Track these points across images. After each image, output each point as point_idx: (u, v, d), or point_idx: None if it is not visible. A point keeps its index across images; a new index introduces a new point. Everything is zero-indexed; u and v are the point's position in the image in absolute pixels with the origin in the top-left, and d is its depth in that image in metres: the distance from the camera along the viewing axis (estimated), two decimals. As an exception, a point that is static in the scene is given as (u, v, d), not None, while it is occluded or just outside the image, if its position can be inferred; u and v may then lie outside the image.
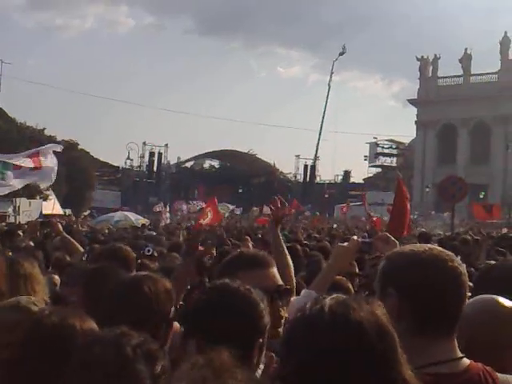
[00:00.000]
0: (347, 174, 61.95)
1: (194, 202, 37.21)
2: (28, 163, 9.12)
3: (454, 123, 52.45)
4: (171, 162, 60.86)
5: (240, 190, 58.36)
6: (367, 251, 2.16)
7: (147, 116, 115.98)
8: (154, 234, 12.20)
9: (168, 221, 22.88)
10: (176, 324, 1.84)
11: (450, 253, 1.54)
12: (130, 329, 1.29)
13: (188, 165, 63.77)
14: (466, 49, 52.69)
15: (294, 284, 2.48)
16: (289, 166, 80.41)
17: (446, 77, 54.61)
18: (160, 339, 1.57)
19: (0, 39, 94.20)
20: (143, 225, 18.02)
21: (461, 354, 1.47)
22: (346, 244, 2.19)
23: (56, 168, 9.42)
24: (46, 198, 25.07)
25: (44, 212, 20.56)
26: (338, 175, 62.50)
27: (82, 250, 4.55)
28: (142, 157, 56.88)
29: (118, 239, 8.23)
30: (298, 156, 60.77)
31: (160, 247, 6.74)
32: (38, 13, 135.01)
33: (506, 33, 51.02)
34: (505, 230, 18.73)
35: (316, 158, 59.46)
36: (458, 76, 53.72)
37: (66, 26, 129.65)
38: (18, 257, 2.51)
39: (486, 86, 50.28)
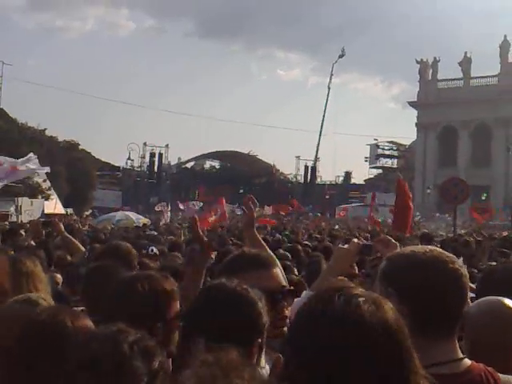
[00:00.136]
0: (348, 175, 62.00)
1: (194, 203, 37.21)
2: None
3: (454, 125, 52.53)
4: (172, 163, 60.99)
5: (241, 191, 58.35)
6: (368, 254, 2.15)
7: (148, 117, 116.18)
8: (155, 233, 12.20)
9: (168, 220, 22.91)
10: None
11: (450, 254, 1.54)
12: (127, 326, 1.28)
13: (188, 165, 63.86)
14: (465, 52, 52.98)
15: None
16: (289, 166, 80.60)
17: (445, 79, 54.76)
18: (158, 337, 1.56)
19: (0, 40, 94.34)
20: (144, 224, 18.05)
21: (462, 355, 1.47)
22: (346, 246, 2.19)
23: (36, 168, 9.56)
24: (47, 198, 25.13)
25: (46, 211, 20.58)
26: (338, 176, 62.63)
27: (83, 249, 4.55)
28: (143, 157, 57.06)
29: (120, 239, 8.22)
30: (298, 157, 60.95)
31: (161, 246, 6.75)
32: (38, 14, 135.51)
33: (505, 36, 51.19)
34: (505, 233, 18.73)
35: (316, 159, 59.58)
36: (458, 79, 53.87)
37: (67, 27, 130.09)
38: (20, 255, 2.51)
39: (486, 89, 50.39)
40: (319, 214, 34.32)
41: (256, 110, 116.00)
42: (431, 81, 54.82)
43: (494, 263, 4.11)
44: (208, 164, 64.91)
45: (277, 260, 2.00)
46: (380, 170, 62.50)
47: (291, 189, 56.41)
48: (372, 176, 62.36)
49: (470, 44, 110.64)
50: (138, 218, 20.54)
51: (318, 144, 58.84)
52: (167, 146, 58.04)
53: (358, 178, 63.18)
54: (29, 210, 16.49)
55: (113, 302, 1.78)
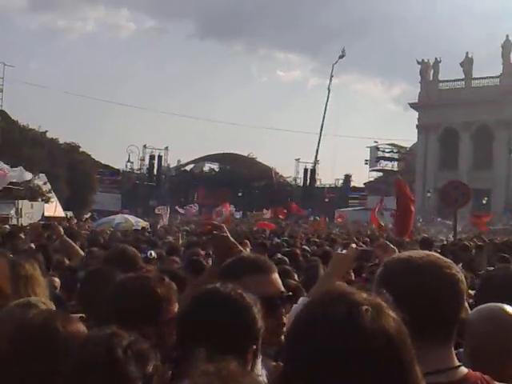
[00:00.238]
0: (348, 178, 61.85)
1: (192, 205, 37.17)
2: None
3: (455, 127, 52.24)
4: (171, 165, 60.97)
5: (240, 194, 58.34)
6: (366, 259, 2.14)
7: (148, 119, 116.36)
8: (152, 236, 12.21)
9: (166, 222, 22.90)
10: None
11: (447, 259, 1.53)
12: (121, 329, 1.28)
13: (188, 168, 63.82)
14: (467, 52, 52.62)
15: None
16: (289, 169, 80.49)
17: (447, 80, 54.42)
18: (151, 341, 1.55)
19: (2, 41, 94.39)
20: (143, 228, 18.03)
21: (458, 363, 1.46)
22: (344, 251, 2.18)
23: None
24: (47, 201, 25.12)
25: (46, 214, 20.60)
26: (338, 179, 62.50)
27: (82, 253, 4.54)
28: (143, 160, 57.03)
29: (119, 242, 8.20)
30: (297, 160, 60.84)
31: (159, 250, 6.74)
32: (39, 15, 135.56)
33: (507, 36, 50.91)
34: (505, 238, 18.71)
35: (316, 161, 59.51)
36: (460, 80, 53.57)
37: (68, 28, 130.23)
38: (19, 258, 2.51)
39: (488, 90, 50.06)
40: (318, 218, 34.22)
41: (256, 111, 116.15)
42: (432, 82, 54.49)
43: (492, 268, 4.10)
44: (207, 167, 64.92)
45: (275, 266, 1.98)
46: (380, 173, 62.38)
47: (290, 192, 56.34)
48: (372, 179, 62.24)
49: (471, 45, 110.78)
50: (137, 222, 20.53)
51: (318, 146, 58.83)
52: (167, 148, 58.11)
53: (357, 181, 63.14)
54: (29, 212, 16.51)
55: (106, 304, 1.79)
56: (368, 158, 61.59)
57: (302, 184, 59.69)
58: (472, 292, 2.88)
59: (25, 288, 2.21)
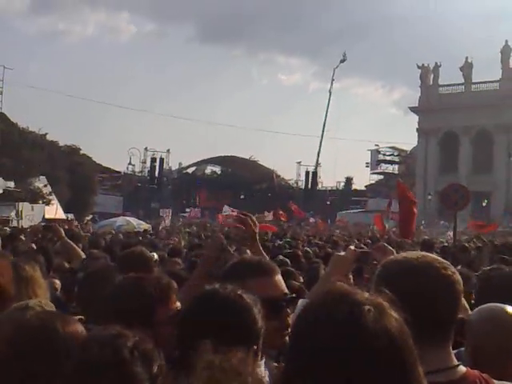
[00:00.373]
0: (349, 180, 61.93)
1: (195, 209, 37.26)
2: None
3: (455, 131, 52.44)
4: (173, 168, 61.04)
5: (241, 196, 58.39)
6: (365, 261, 2.14)
7: (149, 122, 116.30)
8: (154, 238, 12.22)
9: (168, 224, 22.94)
10: None
11: (443, 260, 1.54)
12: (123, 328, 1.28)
13: (190, 170, 63.89)
14: (466, 57, 53.00)
15: None
16: (290, 172, 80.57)
17: (447, 85, 54.67)
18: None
19: (1, 44, 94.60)
20: (145, 230, 18.05)
21: (457, 362, 1.47)
22: (343, 253, 2.19)
23: None
24: (48, 203, 25.13)
25: (46, 216, 20.60)
26: (339, 182, 62.58)
27: (83, 255, 4.54)
28: (144, 162, 57.08)
29: (120, 245, 8.20)
30: (299, 162, 60.93)
31: (161, 252, 6.73)
32: (39, 18, 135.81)
33: (506, 41, 51.25)
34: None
35: (317, 164, 59.54)
36: (460, 84, 53.83)
37: (68, 31, 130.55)
38: (20, 260, 2.51)
39: (488, 95, 50.29)
40: (320, 220, 34.24)
41: (257, 115, 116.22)
42: (432, 86, 54.78)
43: (488, 268, 4.09)
44: (209, 169, 64.98)
45: (278, 268, 1.98)
46: (381, 176, 62.46)
47: (292, 194, 56.36)
48: (373, 182, 62.31)
49: (471, 49, 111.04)
50: (139, 224, 20.53)
51: (319, 149, 58.95)
52: (168, 150, 58.19)
53: (359, 184, 63.23)
54: (29, 215, 16.52)
55: (102, 305, 1.79)
56: (369, 161, 61.69)
57: (303, 187, 59.72)
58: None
59: (26, 290, 2.22)
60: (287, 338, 1.69)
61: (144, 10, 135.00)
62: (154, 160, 56.51)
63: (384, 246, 2.16)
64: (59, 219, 20.67)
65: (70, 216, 26.30)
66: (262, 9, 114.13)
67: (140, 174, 57.10)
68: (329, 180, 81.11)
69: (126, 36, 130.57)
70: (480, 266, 5.14)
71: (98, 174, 43.01)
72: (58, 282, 3.62)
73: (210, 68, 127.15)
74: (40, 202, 24.11)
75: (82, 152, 38.88)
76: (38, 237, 7.16)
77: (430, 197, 46.55)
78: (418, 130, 55.93)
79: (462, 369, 1.45)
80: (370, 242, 11.64)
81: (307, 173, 59.56)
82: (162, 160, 57.03)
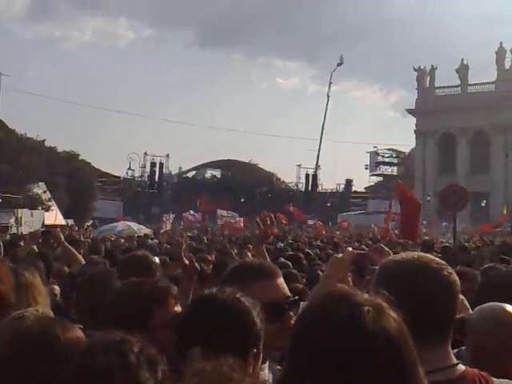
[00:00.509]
0: (349, 182, 62.00)
1: (194, 213, 37.25)
2: None
3: (452, 132, 52.79)
4: (173, 172, 61.06)
5: (242, 200, 58.40)
6: (362, 262, 2.15)
7: (148, 126, 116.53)
8: (156, 241, 12.21)
9: (169, 228, 22.94)
10: None
11: (441, 261, 1.54)
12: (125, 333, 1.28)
13: (189, 175, 63.92)
14: (462, 59, 53.35)
15: None
16: (290, 175, 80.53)
17: (443, 87, 55.10)
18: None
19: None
20: (146, 234, 18.05)
21: (456, 361, 1.47)
22: (340, 255, 2.19)
23: None
24: (48, 209, 25.11)
25: (46, 222, 20.58)
26: (339, 184, 62.63)
27: (83, 260, 4.53)
28: (144, 167, 57.05)
29: (121, 249, 8.20)
30: (299, 165, 60.98)
31: (163, 256, 6.73)
32: (36, 24, 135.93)
33: (501, 43, 51.65)
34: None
35: (317, 167, 59.61)
36: (456, 86, 54.21)
37: (66, 37, 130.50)
38: (19, 267, 2.51)
39: (484, 96, 50.74)
40: (319, 223, 34.23)
41: (256, 118, 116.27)
42: (429, 88, 55.12)
43: (487, 266, 4.10)
44: (209, 173, 65.01)
45: (280, 271, 1.98)
46: (380, 178, 62.57)
47: (292, 197, 56.40)
48: (373, 183, 62.41)
49: (466, 51, 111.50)
50: (139, 228, 20.53)
51: (319, 152, 59.04)
52: (168, 155, 58.20)
53: (358, 186, 63.31)
54: (29, 221, 16.51)
55: (102, 309, 1.79)
56: (368, 163, 61.85)
57: (303, 189, 59.77)
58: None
59: (26, 296, 2.21)
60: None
61: (142, 16, 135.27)
62: (153, 165, 56.52)
63: (381, 248, 2.17)
64: (59, 225, 20.65)
65: (70, 222, 26.27)
66: (260, 13, 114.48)
67: (140, 179, 57.09)
68: (329, 182, 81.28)
69: (124, 42, 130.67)
70: (480, 266, 5.15)
71: (97, 179, 43.01)
72: (57, 288, 3.62)
73: (208, 72, 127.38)
74: (39, 208, 24.09)
75: (80, 158, 38.90)
76: (39, 242, 7.15)
77: (429, 198, 46.64)
78: (415, 131, 56.21)
79: (461, 367, 1.46)
80: (370, 243, 11.64)
81: (307, 175, 59.65)
82: (161, 165, 57.06)
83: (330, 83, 60.71)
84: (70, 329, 1.52)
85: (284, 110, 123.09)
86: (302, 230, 28.64)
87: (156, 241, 13.07)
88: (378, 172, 62.47)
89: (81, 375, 1.19)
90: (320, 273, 4.03)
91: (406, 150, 61.92)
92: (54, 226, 17.86)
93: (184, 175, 62.93)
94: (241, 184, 58.70)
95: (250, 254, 6.88)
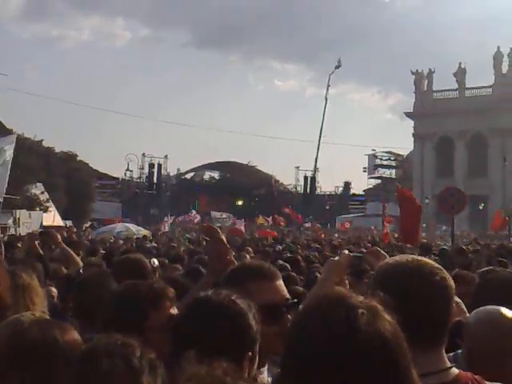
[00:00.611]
0: (347, 185, 62.12)
1: (194, 213, 37.28)
2: None
3: (450, 135, 53.00)
4: (171, 174, 61.02)
5: (240, 202, 58.40)
6: (358, 265, 2.15)
7: (146, 127, 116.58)
8: (155, 244, 12.20)
9: (167, 229, 22.95)
10: None
11: (436, 264, 1.56)
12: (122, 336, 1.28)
13: (188, 176, 63.90)
14: (460, 63, 53.50)
15: None
16: (289, 177, 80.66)
17: (441, 90, 55.30)
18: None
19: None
20: (144, 236, 18.03)
21: (449, 364, 1.48)
22: (337, 258, 2.19)
23: None
24: (46, 210, 25.06)
25: (44, 223, 20.56)
26: (338, 187, 62.73)
27: (80, 262, 4.53)
28: (142, 168, 57.01)
29: (119, 251, 8.18)
30: (297, 167, 61.02)
31: (162, 258, 6.73)
32: (33, 24, 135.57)
33: (498, 47, 51.86)
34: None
35: (316, 169, 59.69)
36: (453, 89, 54.40)
37: (63, 37, 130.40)
38: (17, 268, 2.50)
39: (481, 100, 50.96)
40: (319, 225, 34.27)
41: (255, 120, 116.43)
42: (427, 91, 55.31)
43: (485, 269, 4.10)
44: (207, 175, 65.05)
45: (279, 273, 1.97)
46: (379, 180, 62.66)
47: (291, 200, 56.41)
48: (371, 186, 62.48)
49: (464, 55, 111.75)
50: (138, 230, 20.53)
51: (317, 154, 59.06)
52: (166, 156, 58.17)
53: (357, 188, 63.44)
54: (27, 222, 16.50)
55: (98, 311, 1.80)
56: (366, 166, 61.88)
57: (302, 191, 59.81)
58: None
59: (23, 298, 2.20)
60: None
61: (138, 16, 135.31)
62: (151, 166, 56.46)
63: (377, 251, 2.18)
64: (57, 226, 20.63)
65: (69, 223, 26.25)
66: (258, 14, 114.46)
67: (138, 181, 57.03)
68: (327, 185, 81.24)
69: (122, 42, 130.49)
70: (477, 269, 5.15)
71: (95, 180, 42.95)
72: (54, 290, 3.61)
73: (206, 73, 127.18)
74: (37, 209, 24.05)
75: (78, 158, 38.79)
76: (38, 243, 7.13)
77: (427, 201, 46.72)
78: (413, 134, 56.39)
79: (455, 371, 1.47)
80: (370, 245, 11.64)
81: (306, 178, 59.67)
82: (159, 166, 57.05)
83: (328, 86, 60.87)
84: (68, 331, 1.52)
85: (282, 113, 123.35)
86: (300, 232, 28.65)
87: (154, 244, 13.05)
88: (377, 175, 62.54)
89: (85, 379, 1.19)
90: (318, 275, 4.02)
91: (404, 152, 62.14)
92: (53, 228, 17.85)
93: (182, 177, 62.92)
94: (239, 186, 58.71)
95: (248, 257, 6.89)
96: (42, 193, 26.48)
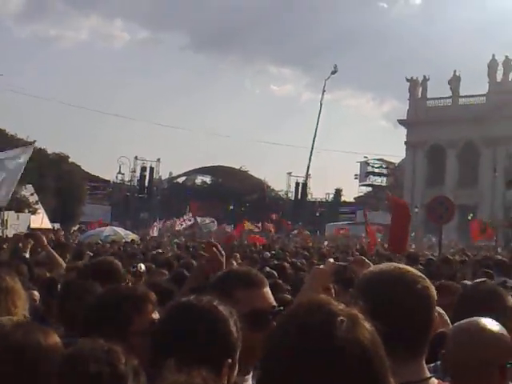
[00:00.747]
0: (338, 192, 62.30)
1: (185, 218, 37.18)
2: None
3: (442, 144, 53.09)
4: (163, 177, 60.91)
5: (231, 207, 58.35)
6: (343, 274, 2.16)
7: (139, 130, 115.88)
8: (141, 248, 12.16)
9: (156, 234, 22.89)
10: None
11: (419, 273, 1.56)
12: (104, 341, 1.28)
13: (180, 180, 63.77)
14: (454, 71, 53.60)
15: None
16: (281, 183, 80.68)
17: (434, 98, 55.39)
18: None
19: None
20: (133, 240, 17.96)
21: (429, 374, 1.49)
22: (322, 266, 2.20)
23: None
24: (34, 212, 24.86)
25: (32, 226, 20.38)
26: (329, 193, 62.87)
27: (64, 265, 4.51)
28: (134, 171, 56.88)
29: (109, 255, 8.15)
30: (289, 173, 61.10)
31: (148, 263, 6.71)
32: (30, 24, 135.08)
33: (493, 55, 52.11)
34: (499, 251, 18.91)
35: (307, 175, 59.82)
36: (447, 97, 54.53)
37: (60, 37, 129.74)
38: (0, 271, 2.48)
39: (475, 108, 51.00)
40: (307, 232, 34.30)
41: (250, 125, 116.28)
42: (421, 99, 55.41)
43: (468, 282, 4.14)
44: (199, 179, 64.94)
45: (266, 280, 1.97)
46: (370, 188, 62.90)
47: (282, 206, 56.48)
48: (362, 194, 62.70)
49: (459, 63, 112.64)
50: (126, 234, 20.43)
51: (310, 161, 59.22)
52: (158, 160, 58.04)
53: (348, 196, 63.59)
54: (15, 224, 16.34)
55: (81, 315, 1.79)
56: (358, 173, 62.13)
57: (293, 197, 59.88)
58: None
59: (5, 301, 2.20)
60: None
61: (137, 18, 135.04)
62: (143, 169, 56.30)
63: (362, 259, 2.19)
64: (45, 229, 20.47)
65: (57, 226, 26.06)
66: (255, 19, 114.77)
67: (129, 184, 56.84)
68: (319, 191, 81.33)
69: (120, 43, 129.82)
70: (462, 279, 5.19)
71: (86, 182, 42.73)
72: (36, 294, 3.60)
73: (202, 77, 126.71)
74: (26, 211, 23.85)
75: (70, 160, 38.63)
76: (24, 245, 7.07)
77: (416, 209, 46.90)
78: (405, 142, 56.53)
79: (434, 381, 1.48)
80: (358, 254, 11.66)
81: (297, 184, 59.79)
82: (151, 169, 56.87)
83: (324, 91, 61.04)
84: (50, 335, 1.52)
85: (277, 118, 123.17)
86: (289, 239, 28.67)
87: (141, 248, 13.02)
88: (368, 182, 62.79)
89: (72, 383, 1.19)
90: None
91: (397, 160, 62.39)
92: (40, 230, 17.70)
93: (174, 181, 62.79)
94: (231, 191, 58.67)
95: (235, 263, 6.88)
96: (32, 194, 26.26)
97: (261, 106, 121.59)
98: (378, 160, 62.66)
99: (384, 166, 63.86)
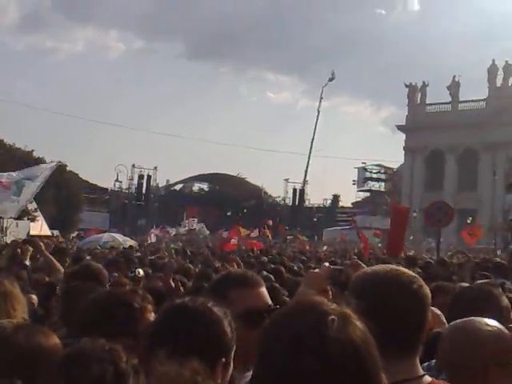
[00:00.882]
0: (336, 198, 62.29)
1: (182, 223, 37.18)
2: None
3: (441, 149, 53.00)
4: (160, 185, 60.87)
5: (228, 214, 58.29)
6: (339, 278, 2.17)
7: (137, 138, 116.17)
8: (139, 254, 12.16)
9: (154, 240, 22.87)
10: None
11: (413, 274, 1.58)
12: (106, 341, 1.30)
13: (177, 187, 63.74)
14: (454, 76, 53.60)
15: None
16: (278, 189, 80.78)
17: (434, 103, 55.24)
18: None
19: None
20: (131, 246, 17.92)
21: (422, 372, 1.50)
22: (317, 270, 2.21)
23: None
24: (33, 219, 24.87)
25: (31, 233, 20.39)
26: (326, 199, 62.87)
27: (62, 270, 4.53)
28: (131, 179, 56.84)
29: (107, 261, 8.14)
30: (287, 180, 61.12)
31: (146, 268, 6.71)
32: (26, 36, 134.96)
33: (493, 60, 52.12)
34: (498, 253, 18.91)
35: (305, 181, 59.82)
36: (446, 103, 54.42)
37: (56, 49, 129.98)
38: (-1, 276, 2.51)
39: (474, 113, 50.93)
40: (305, 238, 34.25)
41: (246, 132, 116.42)
42: (420, 105, 55.35)
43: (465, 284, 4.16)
44: (197, 186, 64.95)
45: (262, 280, 1.99)
46: (367, 193, 62.90)
47: (279, 212, 56.43)
48: (360, 199, 62.69)
49: (458, 68, 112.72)
50: (124, 240, 20.39)
51: (307, 167, 59.25)
52: (156, 168, 58.06)
53: (345, 201, 63.57)
54: (14, 231, 16.34)
55: (81, 317, 1.81)
56: (356, 179, 62.17)
57: (290, 204, 59.85)
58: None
59: (5, 305, 2.22)
60: None
61: (131, 28, 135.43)
62: (141, 177, 56.33)
63: (358, 263, 2.21)
64: (44, 236, 20.45)
65: (56, 232, 26.03)
66: (251, 26, 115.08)
67: (127, 191, 56.83)
68: (316, 197, 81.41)
69: (115, 53, 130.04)
70: (460, 281, 5.19)
71: (84, 190, 42.76)
72: (34, 298, 3.62)
73: (198, 85, 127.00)
74: (25, 218, 23.84)
75: (68, 169, 38.67)
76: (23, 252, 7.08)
77: (415, 214, 46.91)
78: (404, 148, 56.51)
79: (428, 379, 1.48)
80: (356, 258, 11.68)
81: (294, 190, 59.80)
82: (149, 177, 56.89)
83: (321, 98, 61.16)
84: (50, 336, 1.54)
85: (274, 124, 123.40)
86: (286, 244, 28.64)
87: (139, 254, 13.01)
88: (366, 188, 62.79)
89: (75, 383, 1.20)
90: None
91: (395, 166, 62.40)
92: (39, 237, 17.66)
93: (171, 188, 62.76)
94: (228, 198, 58.65)
95: (236, 266, 6.90)
96: (31, 202, 26.27)
97: (257, 113, 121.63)
98: (376, 165, 62.67)
99: (382, 171, 63.85)
